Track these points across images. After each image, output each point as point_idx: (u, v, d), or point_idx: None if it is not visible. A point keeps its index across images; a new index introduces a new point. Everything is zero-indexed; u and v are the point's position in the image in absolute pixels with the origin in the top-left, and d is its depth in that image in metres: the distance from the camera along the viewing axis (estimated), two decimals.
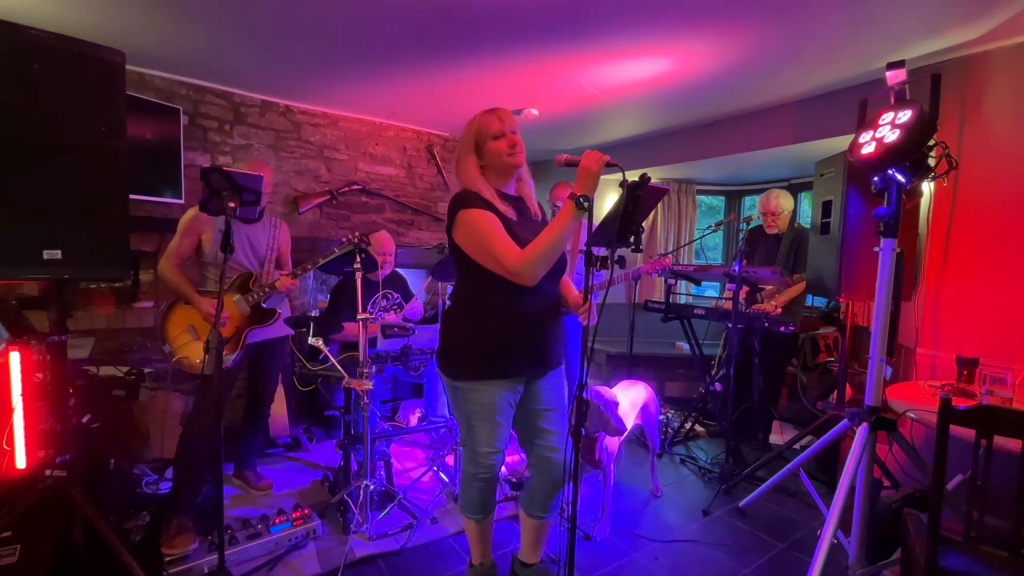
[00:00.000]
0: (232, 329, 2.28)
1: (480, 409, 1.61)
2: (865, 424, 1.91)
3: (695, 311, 3.25)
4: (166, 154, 3.08)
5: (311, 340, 2.23)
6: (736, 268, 2.78)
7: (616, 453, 2.39)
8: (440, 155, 4.41)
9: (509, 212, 1.57)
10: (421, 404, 3.55)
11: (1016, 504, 1.24)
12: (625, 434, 2.26)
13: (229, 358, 2.24)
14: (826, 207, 2.27)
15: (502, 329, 1.58)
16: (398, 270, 3.44)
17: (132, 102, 2.65)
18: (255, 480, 2.63)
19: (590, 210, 1.39)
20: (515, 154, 1.56)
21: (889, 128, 1.85)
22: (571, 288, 1.73)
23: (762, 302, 3.24)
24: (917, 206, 2.68)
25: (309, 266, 2.40)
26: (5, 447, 1.72)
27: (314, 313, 3.12)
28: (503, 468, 2.72)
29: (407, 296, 3.27)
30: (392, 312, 2.97)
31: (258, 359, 2.49)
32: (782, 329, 2.82)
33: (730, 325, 2.84)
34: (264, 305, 2.38)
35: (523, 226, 1.58)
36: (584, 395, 1.37)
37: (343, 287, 3.11)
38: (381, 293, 2.98)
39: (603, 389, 2.12)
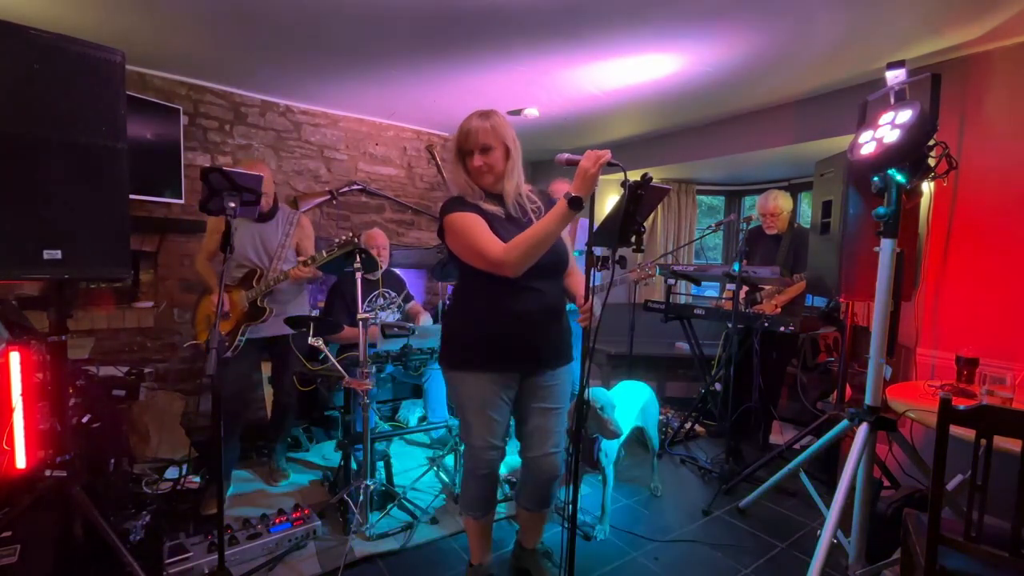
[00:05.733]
0: (233, 323, 2.41)
1: (470, 401, 1.65)
2: (865, 424, 1.92)
3: (695, 311, 3.25)
4: (166, 154, 3.08)
5: (311, 340, 2.23)
6: (736, 268, 2.78)
7: (615, 454, 2.38)
8: (440, 155, 4.40)
9: (496, 210, 1.61)
10: (421, 404, 3.55)
11: (1016, 504, 1.24)
12: (623, 436, 2.26)
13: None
14: (826, 207, 2.26)
15: (491, 324, 1.62)
16: (394, 270, 3.45)
17: (132, 102, 2.65)
18: (274, 474, 2.72)
19: (592, 210, 1.39)
20: (481, 175, 1.59)
21: (889, 128, 1.85)
22: (580, 283, 1.71)
23: (762, 302, 3.24)
24: (917, 206, 2.68)
25: (317, 257, 2.42)
26: (5, 447, 1.72)
27: (314, 313, 3.12)
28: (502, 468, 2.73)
29: (405, 296, 3.28)
30: (390, 311, 2.98)
31: (275, 353, 2.64)
32: (782, 329, 2.82)
33: (730, 325, 2.84)
34: (279, 302, 2.51)
35: (511, 222, 1.62)
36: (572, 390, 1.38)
37: (338, 288, 3.12)
38: (377, 292, 2.99)
39: (600, 391, 2.12)
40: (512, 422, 1.83)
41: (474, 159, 1.57)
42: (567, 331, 1.77)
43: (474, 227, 1.53)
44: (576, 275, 1.74)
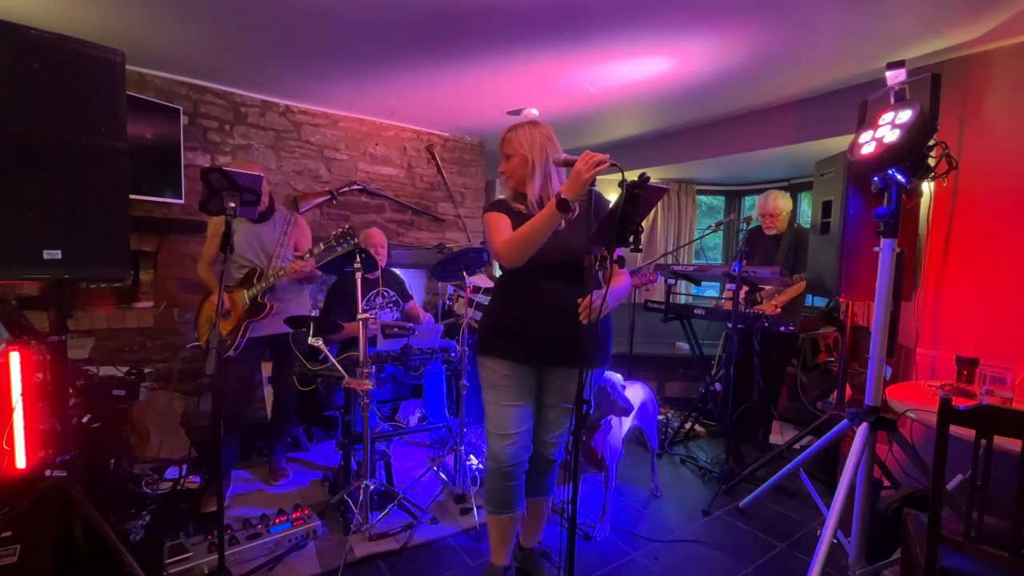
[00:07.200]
0: (234, 322, 2.43)
1: (485, 384, 1.74)
2: (865, 424, 1.91)
3: (695, 311, 3.25)
4: (166, 154, 3.08)
5: (311, 340, 2.23)
6: (736, 268, 2.78)
7: (619, 453, 2.38)
8: (440, 155, 4.40)
9: (523, 209, 1.70)
10: (421, 404, 3.55)
11: (1016, 504, 1.24)
12: (632, 414, 2.26)
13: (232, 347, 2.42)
14: (826, 207, 2.26)
15: (505, 316, 1.73)
16: (394, 270, 3.46)
17: (132, 102, 2.64)
18: (274, 474, 2.71)
19: (600, 213, 1.41)
20: (505, 178, 1.74)
21: (889, 128, 1.85)
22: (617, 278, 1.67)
23: (761, 302, 3.24)
24: (917, 206, 2.67)
25: (315, 250, 2.43)
26: (5, 447, 1.72)
27: (314, 313, 3.12)
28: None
29: (404, 295, 3.29)
30: (388, 309, 2.99)
31: (275, 353, 2.65)
32: (782, 329, 2.82)
33: (730, 325, 2.84)
34: (280, 300, 2.53)
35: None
36: (586, 392, 1.38)
37: (337, 288, 3.13)
38: (377, 291, 3.00)
39: (608, 373, 2.13)
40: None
41: (501, 164, 1.74)
42: (587, 333, 1.76)
43: (494, 223, 1.66)
44: (617, 277, 1.69)
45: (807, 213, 4.33)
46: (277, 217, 2.62)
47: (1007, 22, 2.23)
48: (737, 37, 2.48)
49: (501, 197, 1.79)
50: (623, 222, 1.34)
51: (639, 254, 3.26)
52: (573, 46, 2.60)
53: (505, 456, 1.68)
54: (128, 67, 1.64)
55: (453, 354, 2.82)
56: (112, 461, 2.36)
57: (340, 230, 2.30)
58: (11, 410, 1.72)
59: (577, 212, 1.68)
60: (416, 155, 4.34)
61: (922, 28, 2.34)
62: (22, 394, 1.75)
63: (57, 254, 1.53)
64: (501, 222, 1.66)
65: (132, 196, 2.18)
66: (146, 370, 2.85)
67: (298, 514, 2.20)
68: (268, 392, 3.13)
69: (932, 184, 2.56)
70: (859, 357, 3.03)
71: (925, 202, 2.66)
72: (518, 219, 1.65)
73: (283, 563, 2.01)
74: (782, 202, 3.26)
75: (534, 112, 3.61)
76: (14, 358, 1.75)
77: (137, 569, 1.66)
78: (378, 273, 3.05)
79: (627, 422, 2.44)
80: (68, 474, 1.68)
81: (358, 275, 2.31)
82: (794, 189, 4.55)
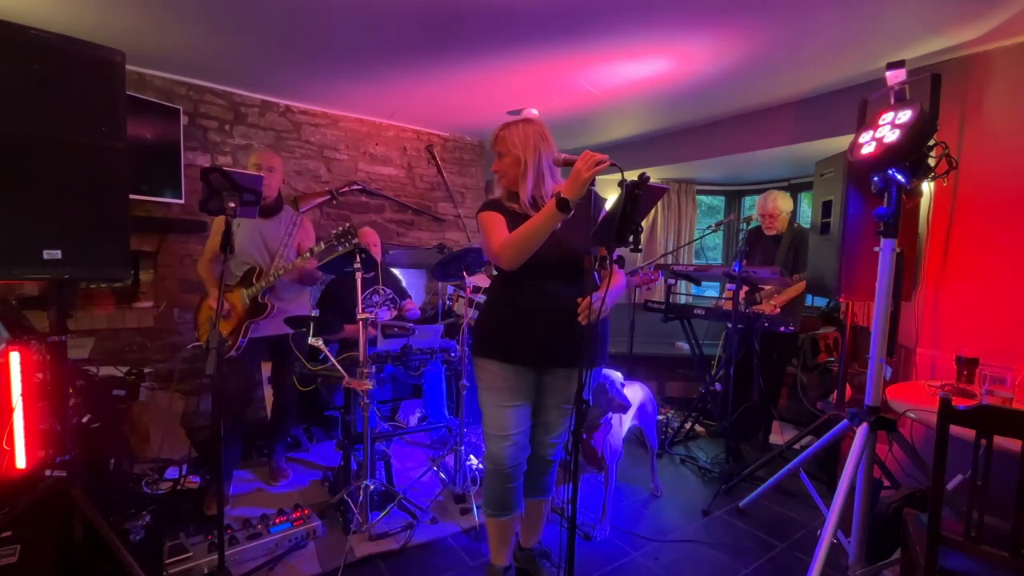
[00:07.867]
0: (235, 321, 2.41)
1: (483, 386, 1.73)
2: (865, 424, 1.92)
3: (695, 311, 3.25)
4: (166, 154, 3.08)
5: (311, 340, 2.23)
6: (736, 268, 2.78)
7: (620, 452, 2.38)
8: (440, 155, 4.40)
9: (517, 208, 1.69)
10: (421, 404, 3.55)
11: (1016, 504, 1.24)
12: (630, 410, 2.26)
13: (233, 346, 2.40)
14: (826, 207, 2.27)
15: (502, 318, 1.71)
16: (393, 270, 3.46)
17: (132, 102, 2.65)
18: (274, 474, 2.71)
19: (596, 212, 1.39)
20: (498, 177, 1.72)
21: (889, 128, 1.85)
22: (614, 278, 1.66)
23: (761, 303, 3.24)
24: (917, 206, 2.67)
25: (315, 249, 2.43)
26: (5, 447, 1.72)
27: (314, 313, 3.12)
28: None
29: (400, 293, 3.29)
30: (386, 307, 2.99)
31: (275, 353, 2.65)
32: (782, 329, 2.82)
33: (730, 325, 2.84)
34: (281, 299, 2.53)
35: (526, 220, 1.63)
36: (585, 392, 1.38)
37: (333, 288, 3.13)
38: (373, 289, 3.00)
39: (606, 371, 2.13)
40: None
41: (494, 162, 1.72)
42: (585, 333, 1.76)
43: (489, 224, 1.64)
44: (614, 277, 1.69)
45: (807, 213, 4.33)
46: (284, 216, 2.61)
47: (1007, 22, 2.23)
48: (737, 37, 2.48)
49: (494, 196, 1.76)
50: (623, 222, 1.34)
51: (639, 254, 3.26)
52: (573, 46, 2.60)
53: (504, 458, 1.68)
54: (128, 67, 1.64)
55: (453, 354, 2.82)
56: (112, 461, 2.36)
57: (340, 229, 2.30)
58: (11, 410, 1.72)
59: (573, 212, 1.68)
60: (416, 155, 4.34)
61: (922, 28, 2.34)
62: (22, 394, 1.75)
63: (57, 254, 1.53)
64: (497, 222, 1.64)
65: (132, 196, 2.19)
66: (146, 370, 2.86)
67: (298, 514, 2.20)
68: (268, 392, 3.13)
69: (932, 184, 2.56)
70: (859, 357, 3.03)
71: (925, 202, 2.66)
72: (513, 218, 1.63)
73: (283, 563, 2.01)
74: (782, 202, 3.26)
75: (534, 112, 3.61)
76: (14, 358, 1.75)
77: (137, 569, 1.65)
78: (374, 272, 3.05)
79: (627, 421, 2.44)
80: (68, 474, 1.68)
81: (358, 275, 2.31)
82: (794, 189, 4.55)
